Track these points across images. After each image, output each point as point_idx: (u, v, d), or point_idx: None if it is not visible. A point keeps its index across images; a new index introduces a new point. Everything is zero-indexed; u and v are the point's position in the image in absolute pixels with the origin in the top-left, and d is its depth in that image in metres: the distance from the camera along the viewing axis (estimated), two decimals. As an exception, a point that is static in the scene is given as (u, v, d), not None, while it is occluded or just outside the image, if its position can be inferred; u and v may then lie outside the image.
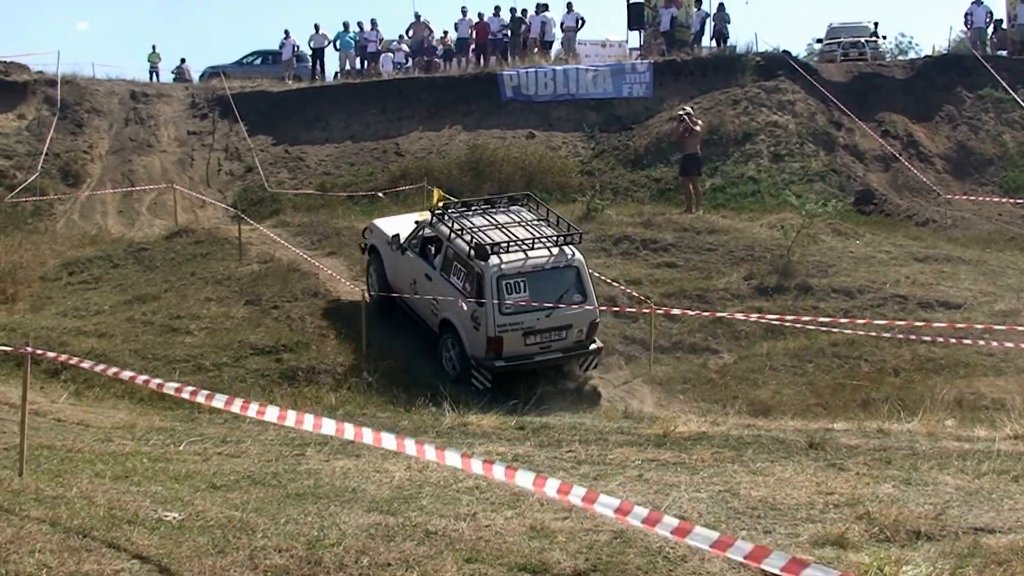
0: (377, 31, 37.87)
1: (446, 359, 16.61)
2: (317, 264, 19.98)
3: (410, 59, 37.80)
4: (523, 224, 16.81)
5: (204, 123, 34.04)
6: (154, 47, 42.10)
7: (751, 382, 17.00)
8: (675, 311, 18.16)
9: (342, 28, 38.13)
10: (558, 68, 33.78)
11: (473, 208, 17.45)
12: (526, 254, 16.09)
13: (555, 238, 16.39)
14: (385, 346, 17.07)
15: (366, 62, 37.92)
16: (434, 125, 33.12)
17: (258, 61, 41.22)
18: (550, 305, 15.92)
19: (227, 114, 33.62)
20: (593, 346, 16.59)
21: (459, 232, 16.56)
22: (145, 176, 31.49)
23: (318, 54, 38.50)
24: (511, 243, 16.05)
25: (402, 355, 16.94)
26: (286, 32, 38.87)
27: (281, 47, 39.10)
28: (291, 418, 7.39)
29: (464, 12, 36.87)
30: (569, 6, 36.09)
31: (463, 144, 31.35)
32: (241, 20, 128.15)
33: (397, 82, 34.98)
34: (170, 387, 8.19)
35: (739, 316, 17.82)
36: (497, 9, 36.91)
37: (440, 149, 31.91)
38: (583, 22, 36.41)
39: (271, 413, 7.53)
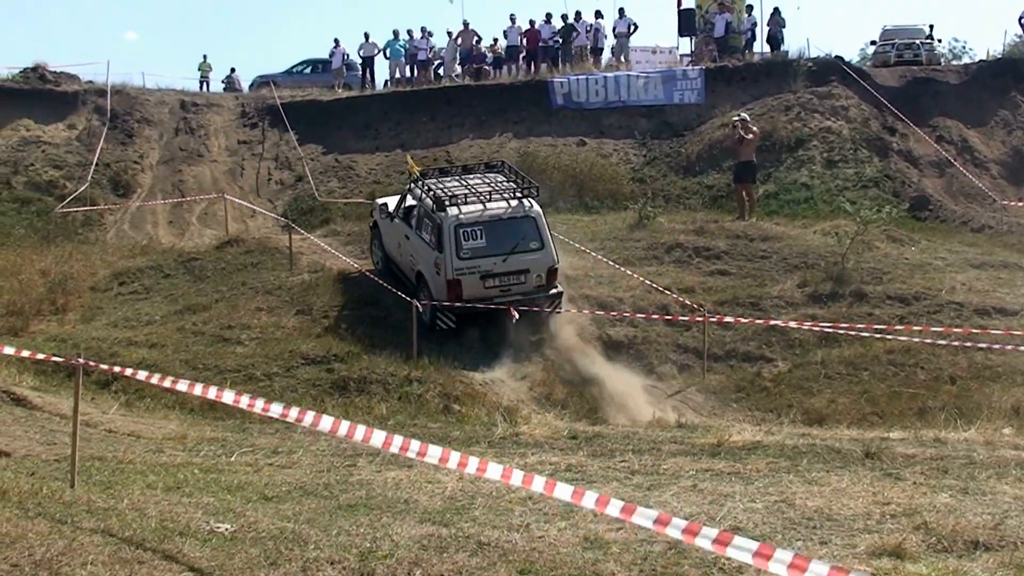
0: (427, 39, 37.91)
1: (421, 309, 17.75)
2: (369, 274, 20.03)
3: (459, 67, 37.89)
4: (491, 185, 18.45)
5: (254, 132, 34.29)
6: (205, 57, 42.77)
7: (806, 391, 16.86)
8: (728, 319, 18.06)
9: (392, 36, 38.26)
10: (609, 75, 33.72)
11: (450, 173, 19.36)
12: (484, 205, 17.89)
13: (513, 191, 18.15)
14: (436, 355, 17.09)
15: (416, 70, 37.99)
16: (484, 133, 33.16)
17: (308, 70, 41.50)
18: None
19: (277, 123, 33.85)
20: (554, 291, 18.12)
21: (429, 192, 18.43)
22: (195, 186, 31.75)
23: (368, 62, 38.68)
24: (468, 195, 17.94)
25: (453, 364, 16.95)
26: (336, 41, 39.18)
27: (331, 56, 39.35)
28: (343, 429, 7.38)
29: (513, 20, 36.92)
30: (621, 12, 36.02)
31: (513, 152, 31.35)
32: (291, 29, 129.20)
33: (447, 90, 35.09)
34: (227, 396, 8.20)
35: (793, 324, 17.70)
36: (548, 16, 36.94)
37: (491, 157, 31.87)
38: (635, 28, 36.34)
39: (329, 424, 7.49)
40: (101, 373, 14.62)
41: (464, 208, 17.81)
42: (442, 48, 38.60)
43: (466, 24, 37.56)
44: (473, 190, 18.23)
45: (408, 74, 38.18)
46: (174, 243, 27.00)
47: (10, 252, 24.18)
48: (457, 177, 19.02)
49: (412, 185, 19.50)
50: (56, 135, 33.08)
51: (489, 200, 17.98)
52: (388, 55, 38.24)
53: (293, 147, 32.94)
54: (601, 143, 32.09)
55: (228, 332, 17.94)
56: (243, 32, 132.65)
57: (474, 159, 31.70)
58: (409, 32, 38.08)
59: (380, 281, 19.15)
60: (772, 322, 18.08)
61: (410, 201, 19.42)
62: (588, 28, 36.33)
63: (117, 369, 10.30)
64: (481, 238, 17.71)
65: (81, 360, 8.52)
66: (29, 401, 12.90)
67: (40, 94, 34.38)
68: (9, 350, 9.81)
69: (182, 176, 32.29)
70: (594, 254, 21.19)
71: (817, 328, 17.38)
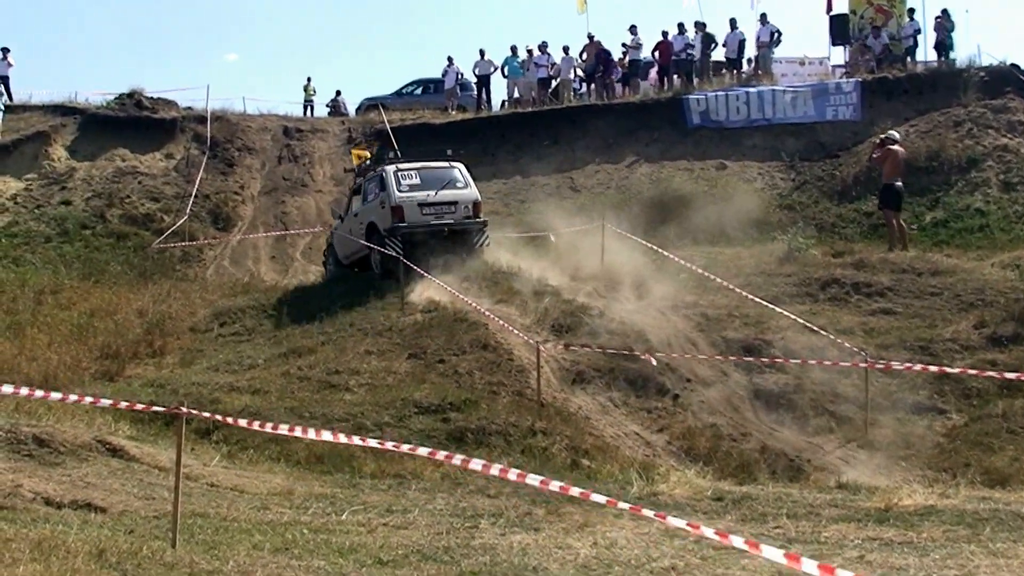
0: (548, 55, 38.08)
1: (373, 257, 23.40)
2: (486, 312, 20.11)
3: (584, 84, 37.98)
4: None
5: (362, 161, 34.80)
6: (309, 79, 43.60)
7: (985, 447, 16.38)
8: (894, 365, 17.65)
9: (510, 53, 38.55)
10: (752, 90, 33.50)
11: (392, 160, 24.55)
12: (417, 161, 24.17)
13: (440, 157, 24.48)
14: (563, 404, 17.06)
15: (536, 89, 38.14)
16: (613, 157, 33.20)
17: (419, 91, 42.08)
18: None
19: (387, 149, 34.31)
20: (478, 220, 23.67)
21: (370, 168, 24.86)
22: (299, 218, 32.36)
23: (483, 81, 39.11)
24: (400, 158, 24.61)
25: (582, 414, 16.91)
26: (449, 59, 39.79)
27: (443, 75, 39.90)
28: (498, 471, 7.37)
29: (634, 31, 36.85)
30: (763, 18, 35.75)
31: (645, 178, 31.31)
32: (400, 48, 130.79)
33: (571, 110, 35.21)
34: (372, 441, 8.26)
35: (970, 371, 17.22)
36: (681, 27, 36.65)
37: (619, 183, 31.96)
38: (779, 37, 36.03)
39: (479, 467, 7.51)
40: (201, 421, 14.91)
41: (401, 164, 23.95)
42: (565, 64, 38.68)
43: (591, 37, 37.63)
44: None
45: (528, 93, 38.35)
46: (277, 280, 27.52)
47: (105, 290, 24.98)
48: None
49: (356, 177, 26.01)
50: (153, 165, 34.06)
51: (421, 160, 24.23)
52: (506, 73, 38.57)
53: (404, 176, 33.36)
54: (744, 166, 31.87)
55: (335, 377, 18.14)
56: (349, 52, 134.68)
57: (601, 186, 31.83)
58: (528, 49, 38.29)
59: (501, 321, 19.21)
60: (945, 369, 17.60)
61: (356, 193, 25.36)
62: (728, 38, 36.09)
63: (220, 418, 10.45)
64: (416, 179, 23.50)
65: (185, 409, 8.68)
66: (126, 452, 13.17)
67: (136, 122, 35.51)
68: (105, 402, 10.03)
69: (285, 207, 32.96)
70: (738, 291, 20.97)
71: (997, 376, 16.89)
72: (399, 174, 23.53)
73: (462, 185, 23.93)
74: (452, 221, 23.38)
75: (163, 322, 22.09)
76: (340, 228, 25.64)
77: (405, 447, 7.86)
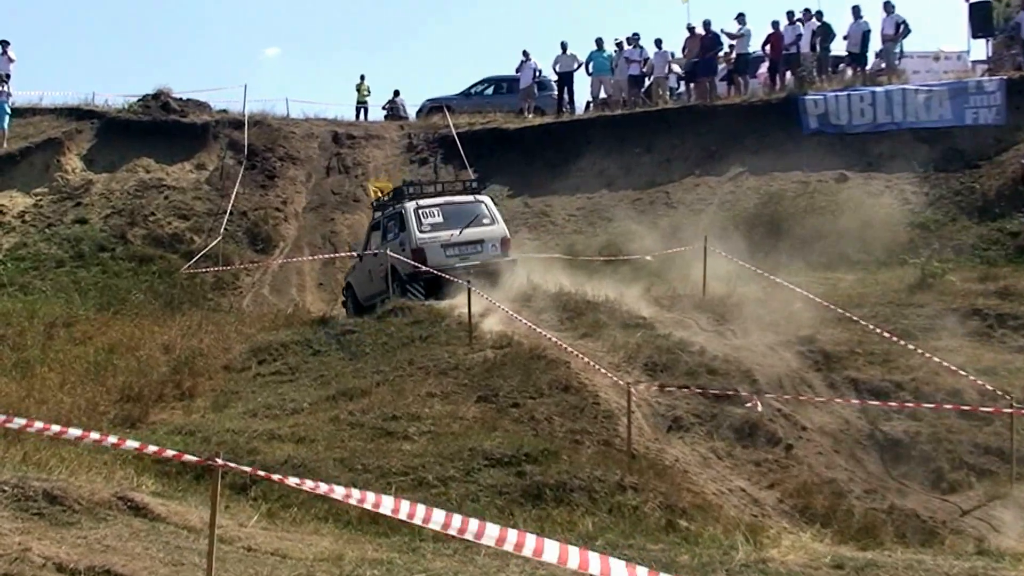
0: (640, 48, 38.04)
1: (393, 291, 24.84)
2: (568, 348, 20.11)
3: (682, 83, 37.92)
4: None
5: (423, 170, 35.07)
6: (362, 77, 44.02)
7: None
8: (1047, 410, 17.46)
9: (595, 47, 38.60)
10: (878, 89, 33.34)
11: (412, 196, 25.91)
12: (439, 196, 25.82)
13: (462, 187, 26.73)
14: (658, 455, 17.01)
15: (627, 88, 38.09)
16: (714, 167, 33.17)
17: (490, 90, 42.30)
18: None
19: (452, 158, 34.56)
20: (508, 258, 25.27)
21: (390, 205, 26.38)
22: (350, 238, 32.55)
23: (565, 79, 39.13)
24: (424, 186, 26.76)
25: (680, 467, 16.84)
26: (525, 54, 39.79)
27: (518, 72, 39.89)
28: (551, 551, 7.37)
29: (741, 19, 36.68)
30: (887, 7, 35.31)
31: (752, 192, 31.21)
32: (469, 41, 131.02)
33: (667, 113, 35.17)
34: (421, 517, 8.21)
35: None
36: (790, 15, 36.43)
37: (722, 199, 31.88)
38: (906, 29, 35.67)
39: (533, 544, 7.49)
40: (237, 475, 15.00)
41: (422, 200, 25.42)
42: (659, 59, 38.60)
43: (691, 28, 37.49)
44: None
45: (616, 93, 38.29)
46: (325, 311, 27.66)
47: (126, 322, 25.14)
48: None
49: (374, 212, 27.75)
50: (182, 177, 34.41)
51: (443, 193, 26.03)
52: (591, 70, 38.59)
53: (472, 188, 33.54)
54: (869, 178, 31.70)
55: (393, 424, 18.19)
56: (409, 45, 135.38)
57: (701, 201, 31.74)
58: (617, 42, 38.31)
59: (585, 359, 19.22)
60: (1107, 416, 17.40)
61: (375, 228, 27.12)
62: (851, 29, 35.81)
63: (260, 472, 10.51)
64: (438, 216, 25.05)
65: (220, 462, 8.71)
66: (151, 510, 13.25)
67: (163, 127, 35.90)
68: (131, 444, 10.09)
69: (334, 226, 33.24)
70: (862, 323, 20.82)
71: None
72: (420, 212, 25.08)
73: (488, 221, 25.53)
74: (479, 262, 24.67)
75: (193, 360, 22.16)
76: (359, 267, 27.28)
77: (473, 524, 7.79)
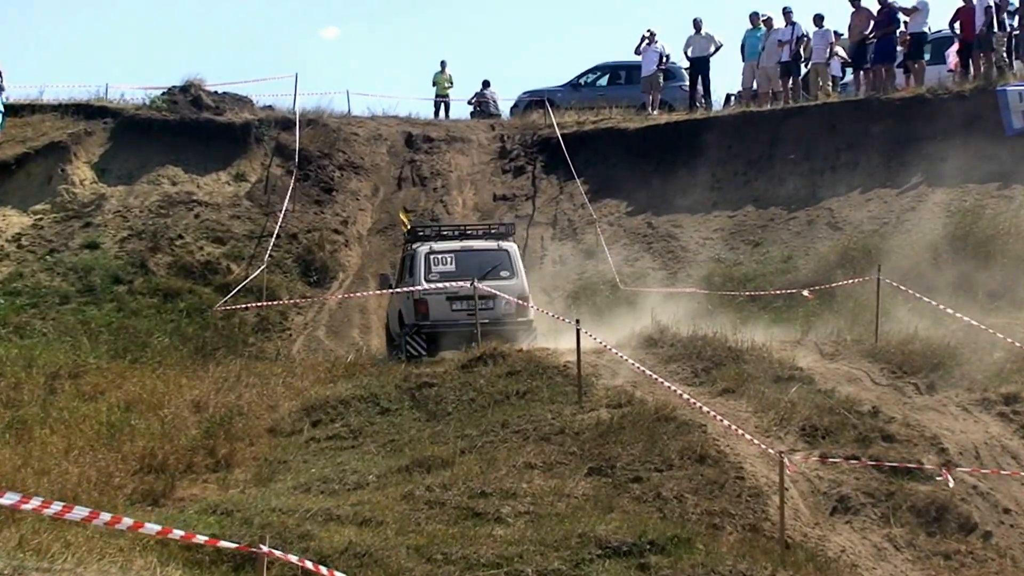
0: (794, 25, 37.26)
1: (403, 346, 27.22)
2: (704, 408, 20.06)
3: (848, 71, 37.61)
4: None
5: (519, 181, 35.18)
6: (443, 64, 44.11)
7: None
8: None
9: (750, 25, 38.45)
10: (1105, 77, 33.00)
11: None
12: (456, 240, 28.13)
13: (484, 232, 28.86)
14: (819, 544, 16.94)
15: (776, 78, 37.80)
16: (889, 178, 32.98)
17: (603, 81, 42.51)
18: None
19: (556, 166, 34.64)
20: (524, 319, 27.22)
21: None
22: (427, 268, 32.65)
23: (699, 67, 38.95)
24: (442, 229, 28.98)
25: (847, 559, 16.76)
26: (649, 34, 39.54)
27: (638, 54, 39.74)
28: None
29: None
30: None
31: (938, 208, 31.03)
32: (575, 19, 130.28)
33: (830, 108, 34.96)
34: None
35: None
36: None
37: (899, 218, 31.69)
38: None
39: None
40: (287, 566, 15.08)
41: (436, 244, 27.78)
42: (819, 40, 38.16)
43: (857, 3, 36.76)
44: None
45: (764, 84, 37.93)
46: (395, 360, 27.71)
47: (147, 373, 25.25)
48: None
49: (404, 244, 29.86)
50: (216, 190, 34.61)
51: (461, 238, 28.41)
52: (746, 55, 38.19)
53: (581, 204, 33.65)
54: (1091, 191, 31.37)
55: (482, 503, 18.21)
56: (501, 24, 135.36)
57: (873, 220, 31.51)
58: (767, 19, 37.81)
59: (725, 421, 19.19)
60: None
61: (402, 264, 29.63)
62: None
63: (313, 566, 10.59)
64: (451, 264, 27.30)
65: (265, 548, 8.74)
66: (178, 609, 13.41)
67: (193, 127, 36.06)
68: (151, 528, 10.17)
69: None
70: (1084, 378, 20.67)
71: None
72: (431, 257, 27.45)
73: (508, 274, 27.67)
74: (488, 320, 26.76)
75: (230, 420, 22.31)
76: (394, 300, 29.37)
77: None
